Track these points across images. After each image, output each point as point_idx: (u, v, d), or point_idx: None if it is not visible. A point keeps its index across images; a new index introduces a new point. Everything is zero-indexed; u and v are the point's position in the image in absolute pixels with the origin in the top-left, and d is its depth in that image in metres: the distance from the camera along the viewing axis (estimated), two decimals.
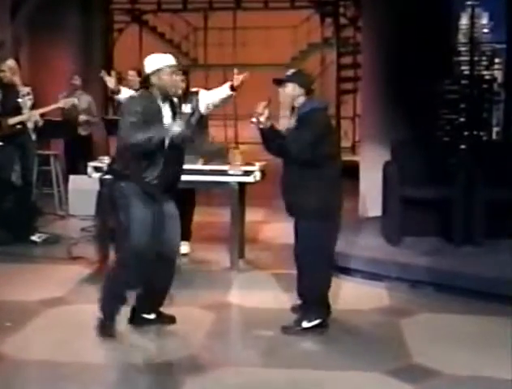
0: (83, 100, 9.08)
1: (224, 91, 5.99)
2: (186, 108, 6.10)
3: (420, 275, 5.53)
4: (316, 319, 4.54)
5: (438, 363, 4.07)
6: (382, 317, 4.98)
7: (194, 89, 6.27)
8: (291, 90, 4.48)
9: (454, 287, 5.30)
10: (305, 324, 4.54)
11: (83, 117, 9.23)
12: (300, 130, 4.44)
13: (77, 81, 9.43)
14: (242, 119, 18.02)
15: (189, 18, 19.14)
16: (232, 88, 5.88)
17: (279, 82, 4.53)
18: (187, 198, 6.45)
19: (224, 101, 6.03)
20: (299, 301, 4.73)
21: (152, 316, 4.65)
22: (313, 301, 4.59)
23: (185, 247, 6.54)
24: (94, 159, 6.07)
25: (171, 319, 4.67)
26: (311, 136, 4.36)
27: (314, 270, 4.52)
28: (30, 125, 7.21)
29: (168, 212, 4.47)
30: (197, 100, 6.16)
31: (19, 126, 7.15)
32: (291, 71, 4.57)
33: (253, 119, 4.52)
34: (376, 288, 5.54)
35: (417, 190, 6.16)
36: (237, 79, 5.82)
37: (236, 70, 5.84)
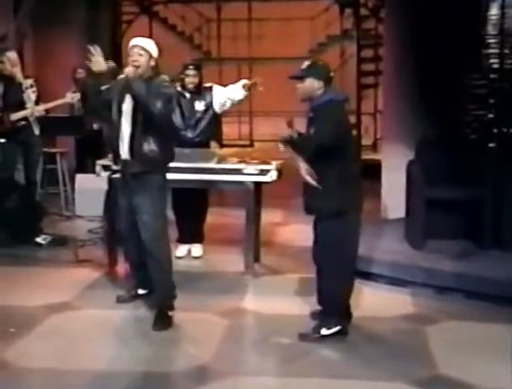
0: None
1: (238, 92, 6.03)
2: (200, 105, 6.15)
3: (447, 281, 5.49)
4: (335, 326, 4.53)
5: (466, 374, 4.05)
6: (406, 324, 4.95)
7: (207, 84, 6.28)
8: (309, 85, 4.49)
9: (482, 293, 5.26)
10: (324, 331, 4.53)
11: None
12: (319, 121, 4.45)
13: (81, 75, 9.36)
14: (257, 115, 18.05)
15: (202, 9, 19.15)
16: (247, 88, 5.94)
17: (297, 77, 4.53)
18: (200, 199, 6.47)
19: (240, 103, 6.12)
20: (318, 307, 4.72)
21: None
22: (334, 307, 4.59)
23: (197, 250, 6.56)
24: (104, 157, 6.06)
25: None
26: (332, 125, 4.38)
27: (334, 272, 4.52)
28: (32, 119, 7.24)
29: (134, 204, 4.83)
30: (211, 97, 6.17)
31: (22, 122, 7.19)
32: (306, 65, 4.57)
33: (281, 147, 4.51)
34: (399, 294, 5.51)
35: (443, 191, 6.12)
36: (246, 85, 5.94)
37: (246, 83, 5.92)
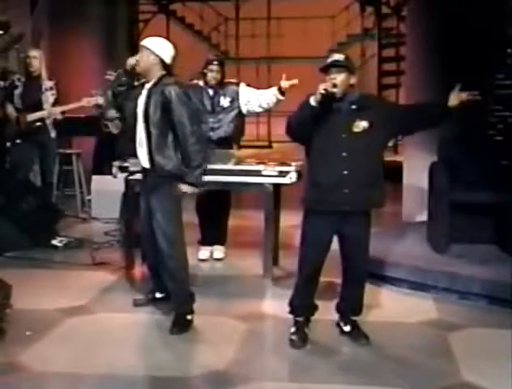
0: None
1: (272, 95, 5.98)
2: (225, 101, 6.13)
3: (471, 286, 5.45)
4: None
5: (490, 382, 4.01)
6: (429, 330, 4.92)
7: (232, 80, 6.28)
8: (347, 79, 4.32)
9: (507, 299, 5.21)
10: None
11: (112, 113, 9.09)
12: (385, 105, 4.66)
13: (112, 77, 9.46)
14: (276, 116, 18.02)
15: (220, 7, 19.19)
16: (281, 92, 5.90)
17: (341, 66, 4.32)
18: (222, 200, 6.48)
19: (274, 106, 6.06)
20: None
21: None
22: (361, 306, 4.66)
23: (218, 252, 6.58)
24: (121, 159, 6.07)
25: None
26: None
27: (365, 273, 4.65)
28: (49, 121, 7.29)
29: (152, 206, 4.80)
30: (236, 94, 6.14)
31: (38, 123, 7.23)
32: (341, 57, 4.35)
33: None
34: (422, 300, 5.48)
35: (467, 194, 6.07)
36: (285, 84, 5.85)
37: (284, 76, 5.86)
